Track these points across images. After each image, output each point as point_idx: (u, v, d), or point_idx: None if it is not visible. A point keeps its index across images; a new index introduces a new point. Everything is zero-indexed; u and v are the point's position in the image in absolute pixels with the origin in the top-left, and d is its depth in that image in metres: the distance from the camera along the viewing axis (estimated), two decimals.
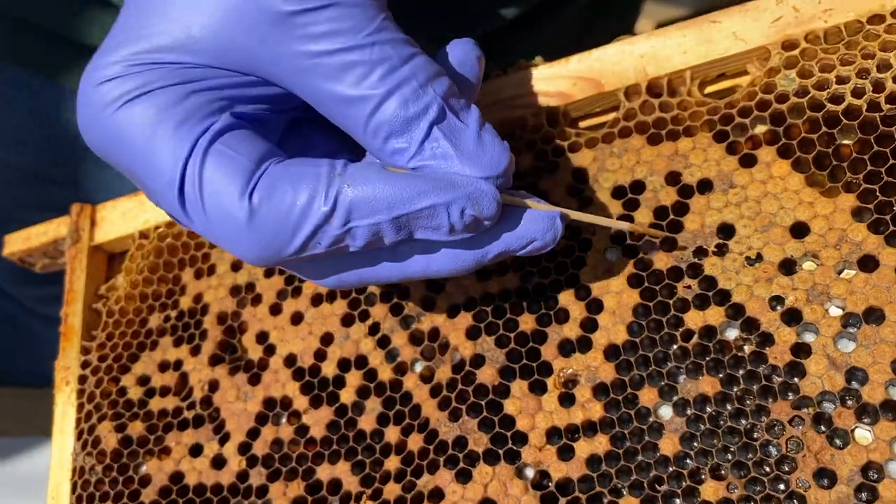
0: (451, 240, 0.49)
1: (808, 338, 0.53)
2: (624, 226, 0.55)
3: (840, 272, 0.53)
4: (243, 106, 0.49)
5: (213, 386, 0.66)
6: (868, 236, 0.53)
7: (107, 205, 0.75)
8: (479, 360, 0.59)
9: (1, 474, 0.85)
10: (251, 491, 0.62)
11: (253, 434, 0.64)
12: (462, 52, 0.53)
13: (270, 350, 0.65)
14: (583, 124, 0.64)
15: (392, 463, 0.59)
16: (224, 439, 0.64)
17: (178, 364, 0.68)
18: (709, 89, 0.61)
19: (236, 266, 0.69)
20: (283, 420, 0.63)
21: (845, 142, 0.55)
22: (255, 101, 0.49)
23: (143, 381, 0.69)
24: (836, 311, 0.53)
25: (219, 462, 0.64)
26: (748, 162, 0.57)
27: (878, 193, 0.53)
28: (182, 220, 0.48)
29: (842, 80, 0.56)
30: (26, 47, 0.84)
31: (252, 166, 0.47)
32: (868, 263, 0.53)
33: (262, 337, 0.66)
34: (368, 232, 0.47)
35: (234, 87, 0.48)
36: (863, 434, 0.50)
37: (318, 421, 0.62)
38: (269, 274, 0.67)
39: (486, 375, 0.58)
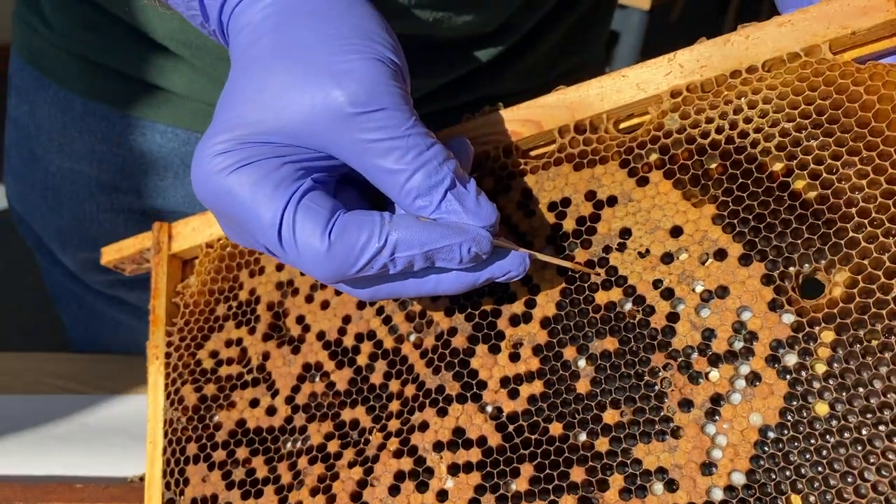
0: (458, 268, 0.73)
1: (679, 308, 0.76)
2: (568, 264, 0.79)
3: (703, 262, 0.77)
4: (317, 173, 0.72)
5: (266, 356, 0.92)
6: (721, 235, 0.76)
7: (180, 222, 1.01)
8: (453, 331, 0.84)
9: (62, 427, 1.12)
10: (295, 430, 0.88)
11: (295, 389, 0.89)
12: (460, 145, 0.80)
13: (306, 329, 0.91)
14: (533, 153, 0.88)
15: (394, 406, 0.84)
16: (275, 394, 0.90)
17: (238, 341, 0.94)
18: (623, 125, 0.85)
19: (280, 267, 0.95)
20: (317, 379, 0.89)
21: (711, 166, 0.79)
22: (324, 169, 0.72)
23: (214, 354, 0.95)
24: (698, 289, 0.76)
25: (271, 411, 0.89)
26: (643, 182, 0.81)
27: (730, 204, 0.77)
28: (277, 254, 0.66)
29: (709, 120, 0.79)
30: (98, 84, 1.10)
31: (328, 215, 0.70)
32: (721, 254, 0.76)
33: (300, 319, 0.91)
34: (406, 261, 0.70)
35: (312, 161, 0.66)
36: (713, 374, 0.74)
37: (341, 378, 0.87)
38: (304, 273, 0.93)
39: (458, 342, 0.83)
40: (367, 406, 0.84)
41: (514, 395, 0.79)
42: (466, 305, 0.83)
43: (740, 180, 0.76)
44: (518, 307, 0.81)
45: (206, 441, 0.91)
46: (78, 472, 1.10)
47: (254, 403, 0.90)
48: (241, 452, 0.89)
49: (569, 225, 0.82)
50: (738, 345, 0.73)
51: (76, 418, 1.17)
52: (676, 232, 0.78)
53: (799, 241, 0.73)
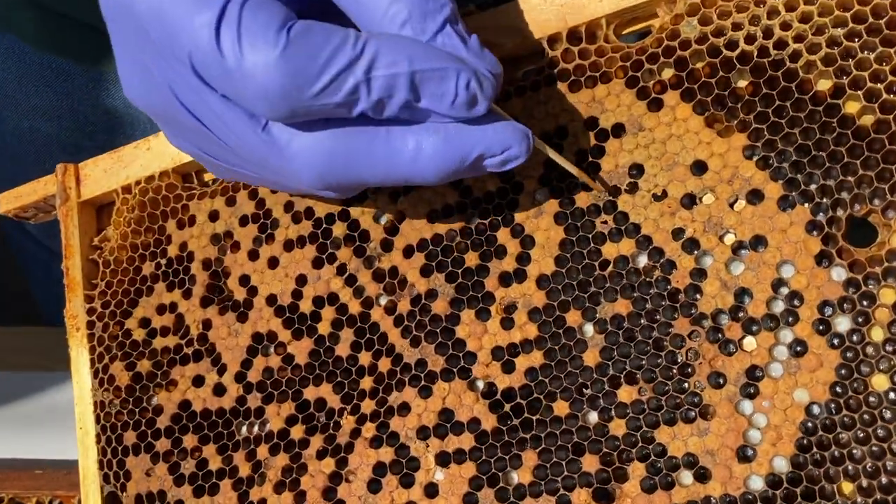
0: (447, 114, 0.58)
1: (705, 263, 0.65)
2: (573, 169, 0.65)
3: (732, 205, 0.64)
4: None
5: (207, 325, 0.79)
6: (756, 172, 0.64)
7: (88, 163, 0.85)
8: (432, 294, 0.71)
9: (30, 406, 1.00)
10: (250, 412, 0.76)
11: (246, 364, 0.77)
12: None
13: (253, 292, 0.78)
14: (518, 71, 0.73)
15: (366, 383, 0.72)
16: (221, 370, 0.77)
17: (173, 306, 0.80)
18: (626, 31, 0.70)
19: (214, 216, 0.80)
20: (271, 351, 0.76)
21: (740, 84, 0.65)
22: None
23: (145, 323, 0.81)
24: (728, 240, 0.64)
25: (219, 389, 0.77)
26: (655, 106, 0.67)
27: (765, 132, 0.64)
28: (208, 61, 0.54)
29: (737, 27, 0.65)
30: (56, 34, 0.97)
31: (290, 13, 0.56)
32: (755, 197, 0.64)
33: (244, 280, 0.78)
34: (385, 84, 0.55)
35: None
36: (748, 343, 0.63)
37: (301, 350, 0.75)
38: (243, 223, 0.78)
39: (439, 307, 0.71)
40: (335, 383, 0.73)
41: (509, 368, 0.68)
42: (446, 262, 0.70)
43: (777, 103, 0.63)
44: (509, 263, 0.69)
45: (145, 428, 0.79)
46: (45, 456, 0.99)
47: (198, 381, 0.78)
48: (189, 440, 0.77)
49: (567, 159, 0.68)
50: (779, 307, 0.62)
51: (44, 397, 1.06)
52: (699, 168, 0.65)
53: (851, 178, 0.61)
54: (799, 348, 0.62)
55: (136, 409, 0.80)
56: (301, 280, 0.76)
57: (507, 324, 0.69)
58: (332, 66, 0.55)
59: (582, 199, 0.68)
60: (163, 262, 0.82)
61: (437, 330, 0.71)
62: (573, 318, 0.67)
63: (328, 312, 0.75)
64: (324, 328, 0.74)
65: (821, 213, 0.62)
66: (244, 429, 0.77)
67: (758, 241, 0.63)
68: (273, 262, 0.77)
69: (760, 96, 0.64)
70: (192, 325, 0.80)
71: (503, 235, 0.70)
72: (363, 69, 0.56)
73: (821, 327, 0.62)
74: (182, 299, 0.80)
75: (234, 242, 0.79)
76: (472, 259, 0.71)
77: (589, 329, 0.67)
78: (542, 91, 0.71)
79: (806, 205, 0.63)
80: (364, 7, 0.58)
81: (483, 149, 0.60)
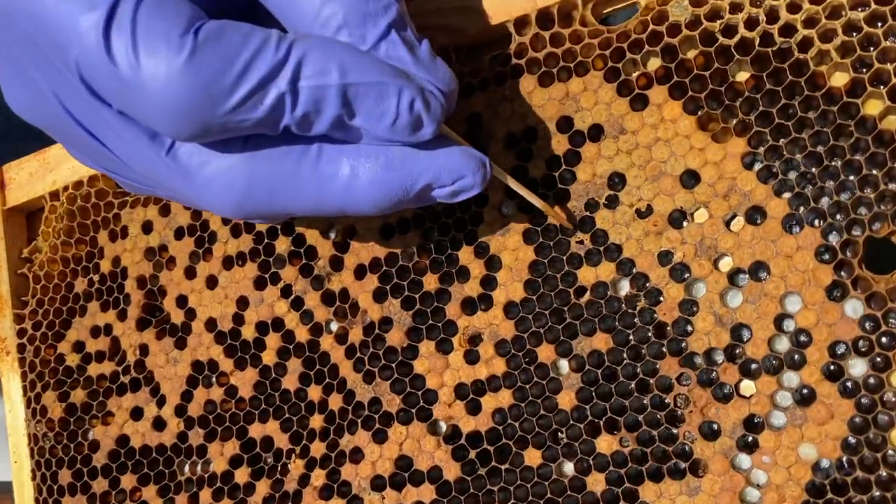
0: (387, 137, 0.50)
1: (697, 293, 0.56)
2: (541, 204, 0.56)
3: (728, 223, 0.55)
4: None
5: (144, 350, 0.71)
6: (757, 185, 0.54)
7: (12, 166, 0.77)
8: (387, 322, 0.63)
9: None
10: (192, 450, 0.69)
11: (186, 396, 0.69)
12: None
13: (191, 314, 0.70)
14: (480, 60, 0.63)
15: (316, 421, 0.65)
16: (161, 402, 0.70)
17: (108, 329, 0.73)
18: (606, 10, 0.60)
19: (147, 227, 0.72)
20: (213, 381, 0.69)
21: (739, 78, 0.55)
22: None
23: (79, 347, 0.74)
24: (724, 266, 0.55)
25: (159, 424, 0.70)
26: (640, 103, 0.57)
27: (768, 137, 0.54)
28: (99, 70, 0.46)
29: (735, 8, 0.55)
30: None
31: (198, 12, 0.47)
32: (756, 214, 0.54)
33: (181, 301, 0.70)
34: (311, 96, 0.47)
35: None
36: (746, 388, 0.54)
37: (245, 382, 0.67)
38: (179, 235, 0.70)
39: (395, 338, 0.62)
40: (282, 419, 0.65)
41: (474, 409, 0.60)
42: (402, 286, 0.62)
43: (782, 101, 0.53)
44: (472, 287, 0.60)
45: (81, 466, 0.72)
46: None
47: (136, 414, 0.71)
48: (128, 480, 0.71)
49: (536, 168, 0.59)
50: (783, 346, 0.53)
51: None
52: (691, 179, 0.56)
53: (870, 193, 0.52)
54: (806, 395, 0.53)
55: (72, 445, 0.73)
56: (242, 303, 0.68)
57: (472, 357, 0.61)
58: (251, 75, 0.46)
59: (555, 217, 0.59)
60: (95, 278, 0.74)
61: (393, 364, 0.62)
62: (546, 352, 0.59)
63: (273, 340, 0.66)
64: (269, 357, 0.67)
65: (833, 235, 0.53)
66: (186, 468, 0.69)
67: (759, 268, 0.54)
68: (212, 282, 0.69)
69: (763, 93, 0.54)
70: (128, 350, 0.72)
71: (466, 255, 0.61)
72: (287, 78, 0.47)
73: (832, 371, 0.53)
74: (117, 321, 0.73)
75: (170, 258, 0.71)
76: (431, 282, 0.62)
77: (564, 366, 0.59)
78: (507, 85, 0.61)
79: (816, 224, 0.53)
80: (293, 6, 0.49)
81: (430, 178, 0.51)
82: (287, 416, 0.66)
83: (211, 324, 0.69)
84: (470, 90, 0.62)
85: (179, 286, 0.70)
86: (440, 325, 0.62)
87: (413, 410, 0.62)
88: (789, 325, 0.54)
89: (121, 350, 0.72)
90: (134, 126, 0.51)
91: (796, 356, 0.53)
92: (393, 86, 0.48)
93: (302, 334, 0.66)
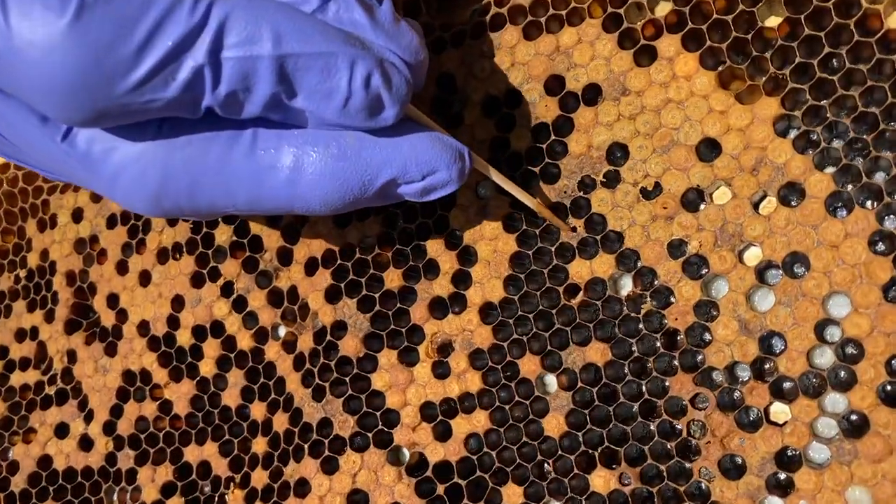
0: (338, 122, 0.40)
1: (717, 293, 0.45)
2: (530, 201, 0.46)
3: (757, 205, 0.44)
4: None
5: (72, 356, 0.62)
6: (792, 157, 0.43)
7: None
8: (340, 328, 0.53)
9: None
10: (121, 475, 0.59)
11: (116, 411, 0.60)
12: None
13: (123, 316, 0.60)
14: (454, 10, 0.53)
15: (259, 445, 0.54)
16: (89, 417, 0.61)
17: (34, 332, 0.64)
18: None
19: (77, 215, 0.62)
20: (146, 395, 0.59)
21: (769, 23, 0.44)
22: None
23: (2, 352, 0.64)
24: (751, 258, 0.44)
25: (86, 443, 0.61)
26: (646, 57, 0.47)
27: (808, 95, 0.43)
28: None
29: None
30: None
31: None
32: (791, 193, 0.43)
33: (112, 300, 0.60)
34: (240, 70, 0.38)
35: None
36: (778, 413, 0.43)
37: (180, 396, 0.57)
38: (111, 224, 0.60)
39: (349, 346, 0.52)
40: (221, 442, 0.55)
41: (443, 433, 0.50)
42: (359, 283, 0.52)
43: (825, 49, 0.42)
44: (443, 285, 0.50)
45: None
46: None
47: (61, 431, 0.61)
48: None
49: (519, 139, 0.49)
50: (826, 361, 0.42)
51: None
52: (709, 150, 0.45)
53: None
54: (855, 423, 0.42)
55: None
56: (178, 303, 0.58)
57: (441, 371, 0.50)
58: (158, 44, 0.37)
59: (542, 196, 0.48)
60: (22, 274, 0.64)
61: (347, 378, 0.52)
62: (530, 365, 0.48)
63: (212, 347, 0.56)
64: (207, 368, 0.57)
65: (891, 219, 0.41)
66: (115, 496, 0.60)
67: (795, 261, 0.43)
68: (145, 278, 0.59)
69: (800, 40, 0.43)
70: (55, 356, 0.62)
71: (435, 247, 0.51)
72: (206, 47, 0.37)
73: (889, 393, 0.41)
74: (44, 322, 0.63)
75: (101, 250, 0.61)
76: (393, 279, 0.51)
77: (551, 382, 0.48)
78: (486, 39, 0.50)
79: (869, 205, 0.42)
80: None
81: (395, 172, 0.42)
82: (227, 437, 0.56)
83: (143, 327, 0.59)
84: (441, 46, 0.52)
85: (110, 283, 0.61)
86: (404, 330, 0.51)
87: (369, 435, 0.51)
88: (834, 334, 0.42)
89: (47, 357, 0.63)
90: (19, 108, 0.41)
91: (843, 373, 0.42)
92: (343, 57, 0.39)
93: (245, 341, 0.56)
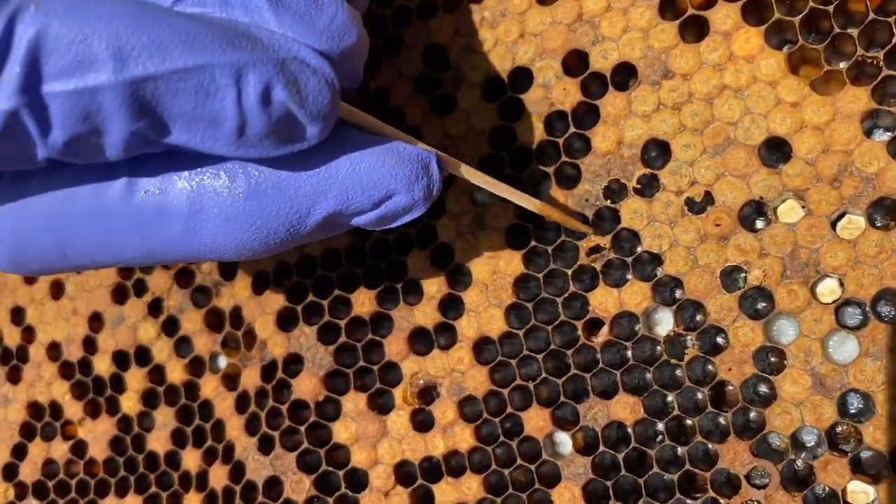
0: (237, 155, 0.30)
1: (783, 337, 0.35)
2: (533, 205, 0.36)
3: (835, 224, 0.34)
4: None
5: None
6: (889, 164, 0.34)
7: None
8: (295, 362, 0.43)
9: None
10: None
11: (19, 452, 0.49)
12: None
13: (29, 334, 0.50)
14: None
15: (192, 502, 0.44)
16: None
17: None
18: None
19: None
20: (56, 433, 0.48)
21: None
22: None
23: None
24: (827, 294, 0.35)
25: None
26: (694, 31, 0.37)
27: None
28: None
29: None
30: None
31: None
32: (883, 214, 0.34)
33: (16, 315, 0.51)
34: (76, 109, 0.28)
35: None
36: (859, 494, 0.34)
37: (98, 436, 0.47)
38: None
39: (306, 386, 0.42)
40: (147, 496, 0.45)
41: (423, 502, 0.40)
42: (320, 306, 0.42)
43: None
44: (427, 313, 0.40)
45: None
46: None
47: None
48: None
49: (527, 131, 0.39)
50: None
51: None
52: (776, 153, 0.35)
53: None
54: None
55: None
56: (96, 321, 0.48)
57: (423, 421, 0.41)
58: None
59: (557, 204, 0.39)
60: None
61: (302, 426, 0.42)
62: (537, 420, 0.39)
63: (136, 378, 0.46)
64: (130, 403, 0.47)
65: None
66: None
67: (886, 300, 0.34)
68: (57, 290, 0.49)
69: None
70: None
71: (418, 264, 0.41)
72: (15, 84, 0.27)
73: None
74: None
75: None
76: (364, 302, 0.42)
77: (564, 442, 0.39)
78: (489, 1, 0.40)
79: None
80: None
81: (333, 204, 0.32)
82: (154, 490, 0.46)
83: (54, 349, 0.49)
84: (430, 9, 0.42)
85: (15, 293, 0.50)
86: (376, 369, 0.42)
87: (330, 500, 0.42)
88: None
89: None
90: None
91: None
92: (222, 69, 0.28)
93: (176, 372, 0.46)
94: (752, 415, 0.36)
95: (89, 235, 0.32)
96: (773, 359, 0.36)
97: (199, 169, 0.31)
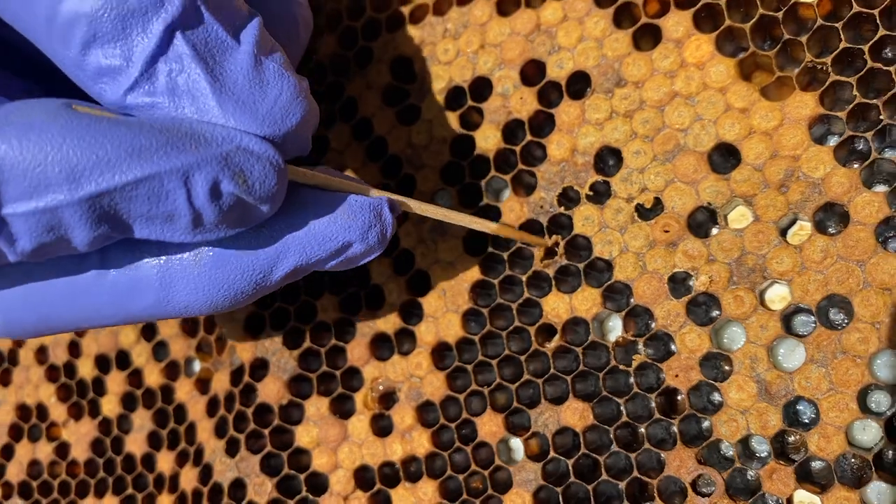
0: (198, 240, 0.32)
1: (731, 344, 0.35)
2: (488, 228, 0.36)
3: (785, 231, 0.34)
4: None
5: None
6: (833, 171, 0.33)
7: None
8: (261, 367, 0.43)
9: None
10: None
11: (7, 453, 0.51)
12: None
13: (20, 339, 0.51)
14: None
15: (165, 502, 0.45)
16: None
17: None
18: None
19: None
20: (41, 434, 0.50)
21: None
22: None
23: None
24: (775, 300, 0.34)
25: None
26: (647, 40, 0.37)
27: (855, 91, 0.33)
28: None
29: None
30: None
31: None
32: (830, 219, 0.34)
33: None
34: (38, 225, 0.30)
35: None
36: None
37: (80, 438, 0.49)
38: None
39: (271, 390, 0.43)
40: (123, 497, 0.46)
41: None
42: (286, 311, 0.42)
43: (880, 32, 0.33)
44: (388, 319, 0.41)
45: None
46: None
47: None
48: None
49: (486, 139, 0.39)
50: (870, 438, 0.33)
51: None
52: (726, 159, 0.35)
53: None
54: None
55: None
56: None
57: (383, 426, 0.41)
58: None
59: (513, 211, 0.39)
60: None
61: (266, 430, 0.43)
62: (491, 425, 0.39)
63: (116, 381, 0.47)
64: (110, 406, 0.48)
65: None
66: None
67: (833, 306, 0.33)
68: None
69: (846, 21, 0.34)
70: None
71: (381, 271, 0.41)
72: None
73: None
74: None
75: None
76: (328, 307, 0.42)
77: (517, 448, 0.39)
78: (452, 14, 0.41)
79: None
80: (28, 17, 0.31)
81: (295, 261, 0.33)
82: (130, 491, 0.47)
83: (42, 353, 0.50)
84: (398, 23, 0.43)
85: None
86: (338, 374, 0.42)
87: (291, 502, 0.42)
88: (881, 403, 0.33)
89: None
90: None
91: (893, 454, 0.32)
92: (170, 176, 0.30)
93: (153, 376, 0.47)
94: (701, 422, 0.36)
95: (70, 311, 0.35)
96: (722, 366, 0.35)
97: (166, 245, 0.33)
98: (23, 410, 0.51)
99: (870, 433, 0.33)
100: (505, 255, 0.39)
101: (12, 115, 0.30)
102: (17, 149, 0.29)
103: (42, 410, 0.50)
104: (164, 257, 0.33)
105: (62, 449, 0.50)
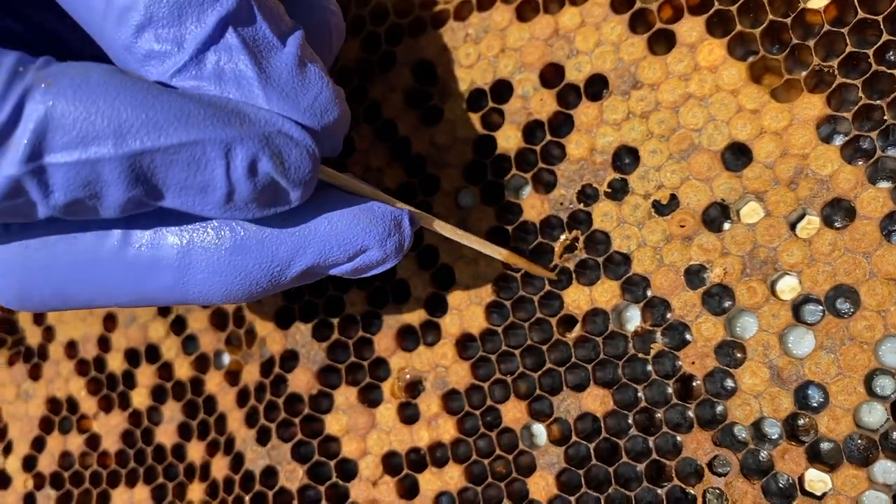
0: (224, 216, 0.33)
1: (743, 332, 0.37)
2: (500, 254, 0.38)
3: (794, 225, 0.36)
4: None
5: None
6: (840, 168, 0.35)
7: None
8: (291, 358, 0.45)
9: None
10: None
11: (38, 444, 0.52)
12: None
13: (49, 334, 0.53)
14: None
15: (195, 492, 0.47)
16: (7, 449, 0.53)
17: None
18: None
19: None
20: (72, 426, 0.51)
21: (813, 5, 0.37)
22: None
23: None
24: (786, 291, 0.36)
25: (2, 480, 0.53)
26: (662, 44, 0.39)
27: (859, 94, 0.35)
28: None
29: None
30: None
31: None
32: (837, 214, 0.36)
33: (38, 315, 0.53)
34: (77, 178, 0.31)
35: None
36: (816, 483, 0.35)
37: (110, 429, 0.50)
38: None
39: (301, 381, 0.44)
40: (154, 486, 0.48)
41: (409, 490, 0.43)
42: (315, 305, 0.44)
43: (884, 36, 0.35)
44: (414, 312, 0.42)
45: None
46: None
47: None
48: None
49: (507, 139, 0.41)
50: (876, 420, 0.35)
51: None
52: (738, 157, 0.37)
53: None
54: None
55: None
56: (110, 321, 0.51)
57: (409, 414, 0.43)
58: None
59: (533, 209, 0.41)
60: None
61: (297, 419, 0.45)
62: (515, 412, 0.41)
63: (146, 373, 0.49)
64: (141, 398, 0.49)
65: None
66: None
67: (841, 296, 0.35)
68: None
69: (851, 26, 0.36)
70: None
71: (406, 265, 0.43)
72: (20, 156, 0.30)
73: None
74: None
75: None
76: (356, 302, 0.44)
77: (540, 433, 0.41)
78: (473, 19, 0.43)
79: None
80: (84, 9, 0.32)
81: (312, 259, 0.35)
82: (161, 480, 0.48)
83: (72, 348, 0.52)
84: (420, 27, 0.44)
85: None
86: (366, 364, 0.44)
87: (321, 488, 0.44)
88: (886, 387, 0.35)
89: None
90: None
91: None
92: (213, 145, 0.31)
93: (183, 369, 0.48)
94: (716, 406, 0.38)
95: (86, 284, 0.35)
96: (735, 353, 0.37)
97: (188, 225, 0.34)
98: (53, 403, 0.53)
99: (875, 415, 0.35)
100: (527, 249, 0.41)
101: (70, 69, 0.31)
102: (70, 99, 0.30)
103: (72, 403, 0.52)
104: (186, 237, 0.34)
105: (93, 440, 0.51)
